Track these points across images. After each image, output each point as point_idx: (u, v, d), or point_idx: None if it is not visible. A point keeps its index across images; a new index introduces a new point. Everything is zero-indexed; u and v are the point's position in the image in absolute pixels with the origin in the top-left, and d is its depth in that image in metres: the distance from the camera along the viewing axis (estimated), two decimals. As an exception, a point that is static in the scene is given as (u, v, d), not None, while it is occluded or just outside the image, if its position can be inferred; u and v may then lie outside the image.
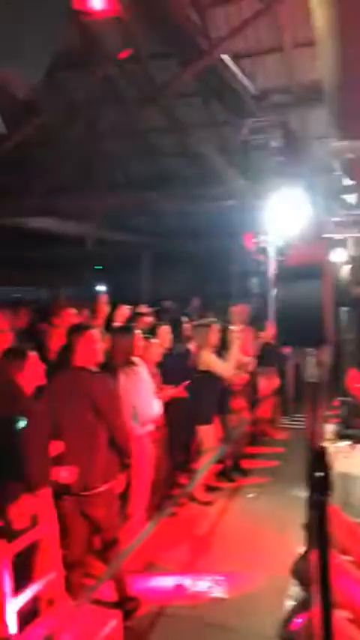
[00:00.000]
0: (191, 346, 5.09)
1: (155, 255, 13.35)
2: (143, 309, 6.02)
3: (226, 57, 6.70)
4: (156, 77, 7.84)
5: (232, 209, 8.10)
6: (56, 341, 4.35)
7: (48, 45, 2.29)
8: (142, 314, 5.40)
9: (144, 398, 3.88)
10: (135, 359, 3.96)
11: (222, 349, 5.25)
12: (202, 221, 9.77)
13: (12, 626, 2.59)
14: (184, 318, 5.56)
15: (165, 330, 4.67)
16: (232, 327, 5.55)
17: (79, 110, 8.39)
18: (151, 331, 4.53)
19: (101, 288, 11.54)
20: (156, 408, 4.01)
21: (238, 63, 7.01)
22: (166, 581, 3.81)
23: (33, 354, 3.04)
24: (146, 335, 4.26)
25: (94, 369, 3.43)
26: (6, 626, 2.60)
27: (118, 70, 7.71)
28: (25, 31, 2.14)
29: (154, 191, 8.37)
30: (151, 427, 4.02)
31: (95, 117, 8.38)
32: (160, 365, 4.38)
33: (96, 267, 14.16)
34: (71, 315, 4.93)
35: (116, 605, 3.23)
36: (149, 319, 5.20)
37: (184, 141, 9.38)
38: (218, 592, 3.71)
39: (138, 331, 4.09)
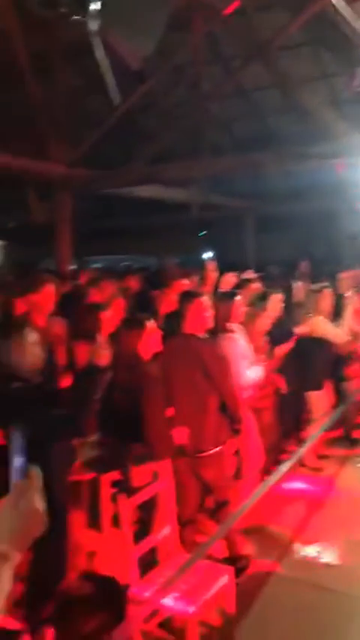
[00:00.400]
0: (298, 328, 4.93)
1: (259, 219, 13.05)
2: (249, 275, 5.95)
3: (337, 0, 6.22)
4: (261, 31, 7.51)
5: (342, 167, 7.66)
6: (166, 307, 4.46)
7: (160, 17, 2.28)
8: (249, 280, 5.33)
9: (237, 365, 3.86)
10: (233, 325, 3.94)
11: (335, 316, 5.08)
12: (308, 181, 9.36)
13: (133, 572, 2.79)
14: (295, 284, 5.42)
15: (277, 299, 4.57)
16: (345, 294, 5.34)
17: (183, 73, 8.30)
18: (261, 298, 4.47)
19: (208, 254, 11.58)
20: (254, 375, 3.96)
21: (351, 5, 6.49)
22: (276, 544, 3.87)
23: (150, 323, 3.16)
24: (255, 303, 4.21)
25: (204, 335, 3.48)
26: (128, 572, 2.81)
27: (222, 26, 7.49)
28: (140, 5, 2.15)
29: (259, 152, 8.13)
30: (249, 393, 4.00)
31: (199, 79, 8.24)
32: (269, 333, 4.32)
33: (200, 233, 14.19)
34: (181, 282, 5.01)
35: (227, 561, 3.35)
36: (257, 286, 5.13)
37: (291, 97, 8.94)
38: (328, 557, 3.71)
39: (239, 298, 4.06)
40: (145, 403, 2.99)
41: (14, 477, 1.18)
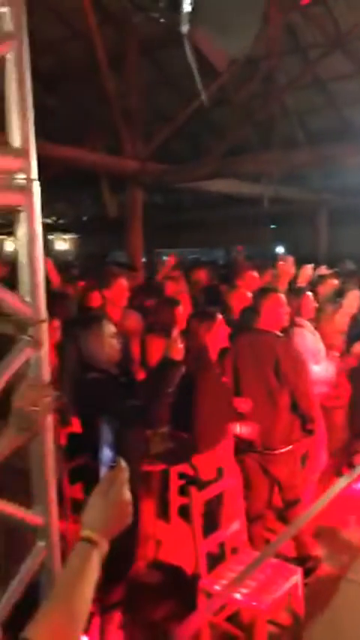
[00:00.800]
0: None
1: (332, 213, 12.70)
2: (323, 270, 5.79)
3: None
4: (341, 20, 7.30)
5: None
6: (237, 302, 4.43)
7: (254, 20, 2.23)
8: (325, 276, 5.18)
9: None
10: (302, 321, 3.86)
11: None
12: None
13: (202, 564, 2.82)
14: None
15: (354, 295, 4.44)
16: None
17: (257, 65, 8.17)
18: (338, 294, 4.35)
19: (281, 249, 11.40)
20: (322, 372, 3.86)
21: None
22: (345, 547, 3.79)
23: (220, 317, 3.17)
24: (332, 299, 4.11)
25: (279, 332, 3.44)
26: (195, 563, 2.84)
27: (300, 17, 7.33)
28: (234, 8, 2.11)
29: (334, 144, 7.89)
30: (319, 390, 3.89)
31: (274, 71, 8.10)
32: (346, 333, 4.21)
33: (271, 226, 13.98)
34: (254, 277, 4.95)
35: (297, 561, 3.31)
36: (334, 282, 4.97)
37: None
38: None
39: (309, 293, 3.97)
40: (196, 395, 3.01)
41: (103, 469, 1.22)
